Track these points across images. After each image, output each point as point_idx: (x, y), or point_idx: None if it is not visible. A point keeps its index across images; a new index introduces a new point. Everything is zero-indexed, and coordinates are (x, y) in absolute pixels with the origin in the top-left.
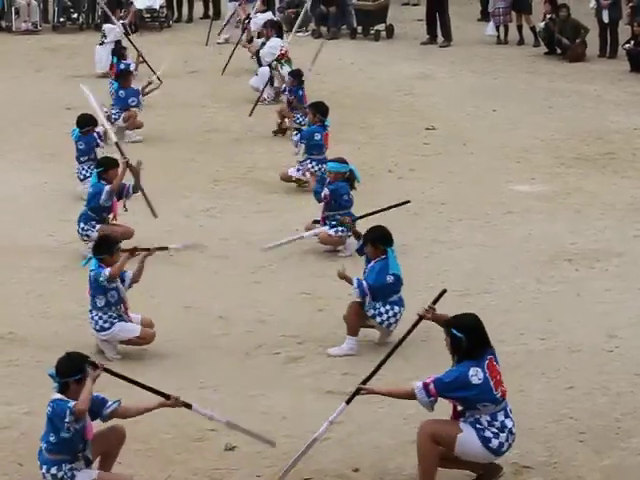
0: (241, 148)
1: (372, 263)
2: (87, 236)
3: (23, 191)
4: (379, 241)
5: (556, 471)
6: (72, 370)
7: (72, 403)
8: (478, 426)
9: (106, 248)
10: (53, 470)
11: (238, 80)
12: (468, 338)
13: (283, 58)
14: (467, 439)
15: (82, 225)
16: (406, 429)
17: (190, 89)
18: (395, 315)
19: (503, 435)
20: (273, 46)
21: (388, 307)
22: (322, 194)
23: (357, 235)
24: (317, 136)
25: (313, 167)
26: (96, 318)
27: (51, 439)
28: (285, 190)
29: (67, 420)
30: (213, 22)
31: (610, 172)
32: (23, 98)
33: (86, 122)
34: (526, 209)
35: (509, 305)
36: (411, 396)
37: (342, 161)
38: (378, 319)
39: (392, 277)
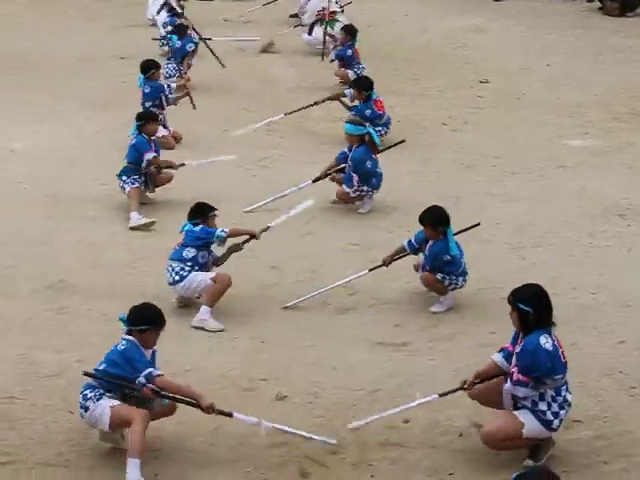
0: (295, 99)
1: (430, 243)
2: (122, 188)
3: (76, 140)
4: (439, 224)
5: (606, 425)
6: (137, 320)
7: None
8: (536, 409)
9: (201, 213)
10: (87, 391)
11: (293, 31)
12: (535, 310)
13: (326, 19)
14: (531, 428)
15: (123, 177)
16: (456, 382)
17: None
18: (462, 282)
19: (563, 412)
20: (311, 9)
21: (453, 277)
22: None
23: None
24: (367, 112)
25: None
26: (177, 269)
27: (100, 368)
28: (337, 141)
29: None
30: None
31: None
32: (76, 47)
33: (149, 66)
34: (578, 163)
35: (561, 259)
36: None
37: (358, 123)
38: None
39: (449, 257)
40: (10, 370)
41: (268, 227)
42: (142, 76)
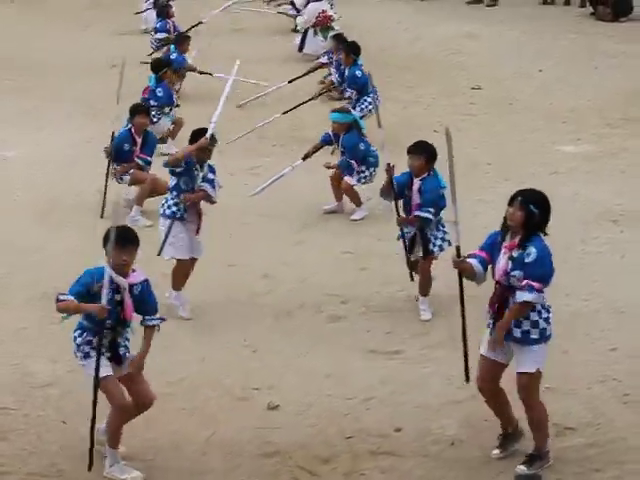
0: (288, 106)
1: (419, 184)
2: (121, 178)
3: (68, 147)
4: (433, 157)
5: (599, 432)
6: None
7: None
8: (528, 320)
9: (193, 139)
10: (76, 334)
11: (285, 39)
12: (541, 213)
13: (319, 25)
14: (540, 360)
15: (116, 166)
16: (450, 390)
17: (236, 47)
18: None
19: (551, 315)
20: (310, 12)
21: (441, 229)
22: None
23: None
24: (358, 73)
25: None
26: (165, 200)
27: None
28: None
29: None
30: None
31: None
32: (70, 54)
33: (161, 65)
34: (571, 169)
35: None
36: (528, 307)
37: (345, 111)
38: (436, 249)
39: (442, 190)
40: (3, 380)
41: (213, 135)
42: (153, 75)
